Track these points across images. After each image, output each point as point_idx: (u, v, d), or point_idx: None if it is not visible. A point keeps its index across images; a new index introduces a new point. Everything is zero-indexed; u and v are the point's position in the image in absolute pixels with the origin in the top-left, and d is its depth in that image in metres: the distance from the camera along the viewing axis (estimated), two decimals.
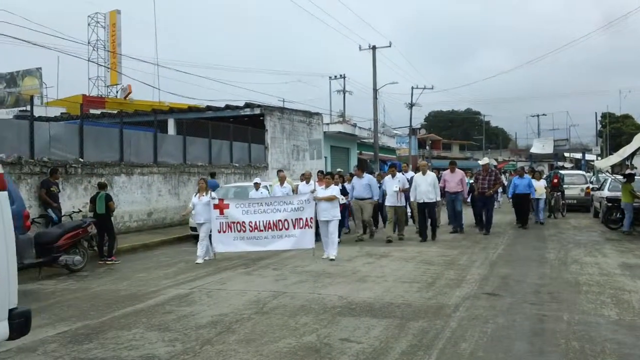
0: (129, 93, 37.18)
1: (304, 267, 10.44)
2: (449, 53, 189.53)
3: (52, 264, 10.36)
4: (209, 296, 8.17)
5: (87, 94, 36.18)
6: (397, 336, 5.99)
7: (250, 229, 11.37)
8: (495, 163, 60.61)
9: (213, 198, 11.76)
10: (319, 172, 15.04)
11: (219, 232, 11.51)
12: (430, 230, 14.10)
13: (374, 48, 35.36)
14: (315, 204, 11.48)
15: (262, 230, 11.33)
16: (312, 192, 11.69)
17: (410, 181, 14.74)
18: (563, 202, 21.25)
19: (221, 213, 11.50)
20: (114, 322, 6.88)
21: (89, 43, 37.66)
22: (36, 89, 34.69)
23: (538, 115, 71.11)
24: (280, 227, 11.33)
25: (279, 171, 15.79)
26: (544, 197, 18.79)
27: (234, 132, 22.11)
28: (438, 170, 18.41)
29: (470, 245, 12.99)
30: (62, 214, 12.75)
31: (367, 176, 14.88)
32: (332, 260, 11.00)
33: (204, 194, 11.87)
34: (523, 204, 17.24)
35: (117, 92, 38.28)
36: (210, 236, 11.67)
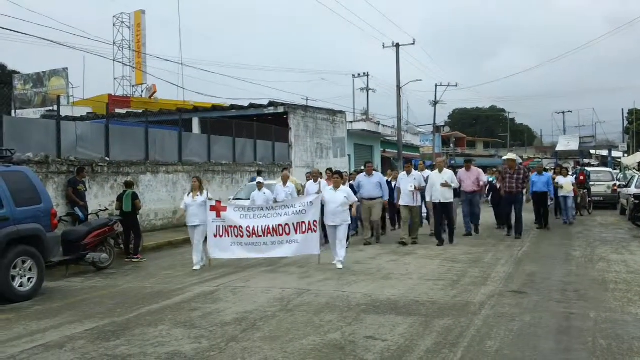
0: (154, 92, 37.56)
1: (329, 264, 10.44)
2: (473, 50, 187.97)
3: (79, 261, 10.54)
4: (233, 293, 8.22)
5: (113, 94, 36.62)
6: (422, 334, 5.96)
7: (248, 234, 10.40)
8: (520, 160, 60.00)
9: (210, 199, 10.75)
10: (327, 170, 14.41)
11: (215, 236, 10.56)
12: (448, 233, 13.10)
13: (397, 46, 35.21)
14: (323, 206, 10.60)
15: (260, 236, 10.37)
16: (318, 192, 10.91)
17: (427, 180, 13.62)
18: (589, 199, 20.96)
19: (218, 216, 10.56)
20: (140, 319, 6.97)
21: (114, 43, 38.15)
22: (63, 89, 35.22)
23: (564, 112, 70.26)
24: (281, 232, 10.34)
25: (283, 169, 15.17)
26: (572, 194, 17.45)
27: (258, 131, 22.18)
28: (454, 169, 17.52)
29: (495, 243, 12.87)
30: (89, 212, 12.93)
31: (377, 174, 13.92)
32: (339, 268, 9.98)
33: (198, 193, 10.83)
34: (540, 203, 15.95)
35: (142, 91, 38.69)
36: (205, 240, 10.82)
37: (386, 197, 13.60)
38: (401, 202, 13.18)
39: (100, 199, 14.11)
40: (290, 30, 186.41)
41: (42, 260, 8.73)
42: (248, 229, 10.41)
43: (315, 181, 12.83)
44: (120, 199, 12.46)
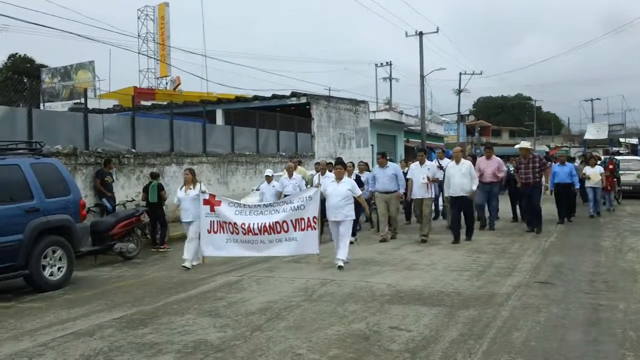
0: (178, 84, 37.83)
1: (353, 254, 10.43)
2: (498, 37, 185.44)
3: (107, 251, 10.73)
4: (258, 283, 8.29)
5: (138, 86, 36.97)
6: (447, 325, 5.95)
7: (244, 231, 9.63)
8: (547, 149, 59.15)
9: (203, 192, 10.02)
10: (327, 163, 13.42)
11: (209, 232, 9.86)
12: (465, 229, 11.99)
13: (421, 34, 34.88)
14: (324, 200, 9.73)
15: (256, 234, 9.58)
16: (318, 186, 9.81)
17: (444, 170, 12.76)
18: (619, 188, 20.59)
19: (212, 210, 9.85)
20: (167, 307, 7.06)
21: (139, 36, 38.44)
22: (89, 81, 35.68)
23: (592, 100, 68.98)
24: (279, 230, 9.55)
25: (291, 158, 14.28)
26: (600, 186, 16.33)
27: (280, 122, 22.22)
28: (474, 157, 16.35)
29: (521, 233, 12.73)
30: (116, 203, 13.12)
31: (392, 165, 12.70)
32: (340, 267, 9.18)
33: (191, 186, 10.18)
34: (563, 196, 14.83)
35: (166, 83, 38.98)
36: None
37: (402, 190, 12.50)
38: (413, 195, 12.26)
39: (127, 190, 14.29)
40: (313, 20, 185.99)
41: (72, 250, 8.91)
42: (243, 226, 9.64)
43: (323, 174, 12.02)
44: (146, 190, 12.69)
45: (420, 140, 35.52)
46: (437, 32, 35.49)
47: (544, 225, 13.74)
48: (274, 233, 9.58)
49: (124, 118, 15.82)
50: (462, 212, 11.96)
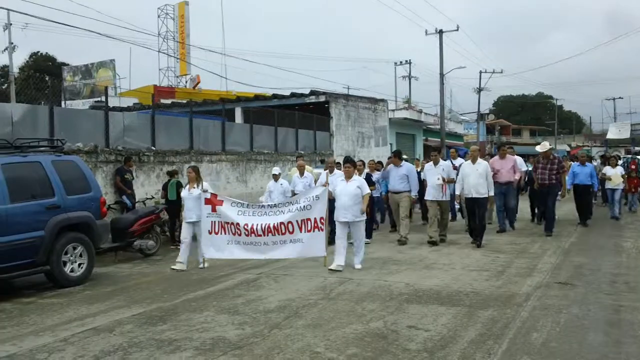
0: (198, 83, 38.02)
1: (371, 254, 10.41)
2: (519, 35, 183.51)
3: (127, 248, 10.82)
4: (276, 281, 8.30)
5: (158, 85, 37.24)
6: (465, 325, 5.91)
7: (246, 232, 9.23)
8: (568, 149, 58.53)
9: (205, 191, 9.67)
10: (336, 162, 12.62)
11: (210, 233, 9.49)
12: (476, 232, 11.22)
13: (440, 32, 34.67)
14: (333, 200, 9.36)
15: (260, 235, 9.17)
16: (325, 185, 9.44)
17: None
18: None
19: (213, 210, 9.49)
20: (185, 304, 7.11)
21: (159, 34, 38.74)
22: (110, 80, 36.03)
23: (614, 99, 68.04)
24: (284, 231, 9.14)
25: (298, 157, 13.67)
26: (621, 187, 15.75)
27: (299, 120, 22.23)
28: (493, 157, 15.53)
29: (541, 234, 12.58)
30: (136, 200, 13.23)
31: (405, 165, 12.32)
32: (357, 268, 9.06)
33: (195, 185, 9.84)
34: (583, 198, 14.35)
35: (186, 82, 39.22)
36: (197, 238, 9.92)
37: (414, 191, 12.06)
38: (427, 197, 11.77)
39: (147, 187, 14.39)
40: (332, 19, 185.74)
41: (92, 247, 9.00)
42: (246, 227, 9.23)
43: (331, 172, 11.24)
44: (165, 187, 12.80)
45: (439, 139, 35.34)
46: (457, 30, 35.30)
47: (567, 224, 13.64)
48: (279, 234, 9.16)
49: (144, 116, 15.93)
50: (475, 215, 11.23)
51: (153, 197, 13.91)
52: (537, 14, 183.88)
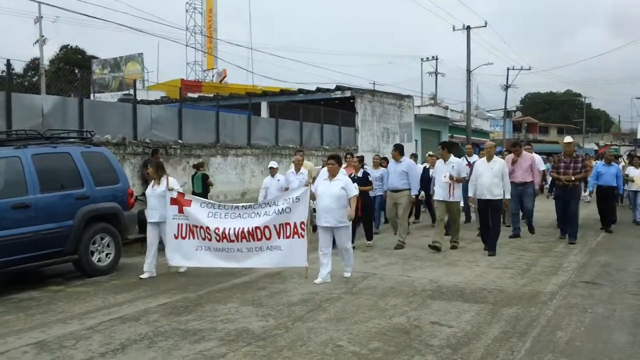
0: (224, 77, 38.24)
1: (394, 249, 10.41)
2: (548, 32, 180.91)
3: None
4: (299, 275, 8.33)
5: (185, 78, 37.55)
6: (489, 322, 5.89)
7: (217, 237, 8.14)
8: (596, 147, 57.58)
9: (170, 189, 8.49)
10: (346, 154, 11.62)
11: (176, 237, 8.39)
12: (488, 239, 10.07)
13: (468, 28, 34.35)
14: (314, 201, 8.35)
15: (232, 241, 8.09)
16: (307, 185, 8.36)
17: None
18: None
19: (180, 211, 8.39)
20: (210, 296, 7.20)
21: (187, 29, 39.03)
22: (138, 73, 36.47)
23: None
24: (260, 236, 8.04)
25: (298, 151, 12.86)
26: None
27: (324, 115, 22.26)
28: (502, 155, 14.41)
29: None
30: None
31: (405, 161, 11.20)
32: (346, 277, 8.07)
33: (159, 182, 8.69)
34: (607, 200, 13.19)
35: (212, 76, 39.48)
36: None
37: (414, 190, 10.87)
38: (436, 197, 10.64)
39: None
40: (358, 14, 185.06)
41: (119, 237, 9.15)
42: (217, 231, 8.14)
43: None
44: (192, 180, 13.01)
45: (465, 136, 35.06)
46: (485, 26, 34.91)
47: (594, 223, 13.38)
48: (254, 240, 8.07)
49: (171, 109, 16.10)
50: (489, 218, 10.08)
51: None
52: (567, 10, 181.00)
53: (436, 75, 48.52)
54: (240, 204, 8.66)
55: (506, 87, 47.58)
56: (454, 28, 35.38)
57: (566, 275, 8.14)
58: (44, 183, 8.14)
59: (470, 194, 10.38)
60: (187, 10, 39.74)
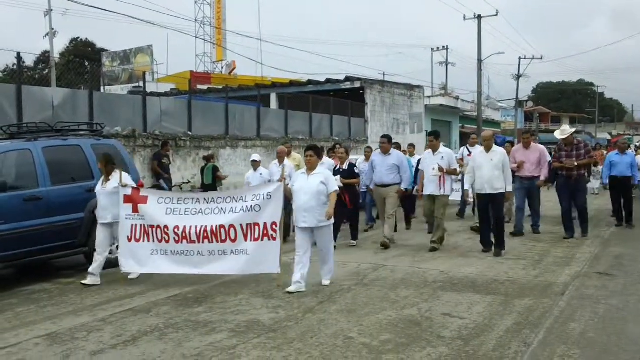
0: (234, 69, 38.24)
1: (405, 241, 10.36)
2: (560, 20, 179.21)
3: None
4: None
5: (195, 70, 37.57)
6: (501, 313, 5.84)
7: (176, 237, 7.32)
8: (609, 137, 57.06)
9: (124, 185, 7.61)
10: (335, 144, 11.08)
11: (130, 240, 7.57)
12: (494, 236, 9.16)
13: (479, 17, 34.07)
14: (288, 197, 7.41)
15: (193, 242, 7.27)
16: (281, 180, 7.42)
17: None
18: None
19: (135, 210, 7.53)
20: (221, 287, 7.19)
21: (195, 20, 39.02)
22: (148, 65, 36.55)
23: None
24: (224, 238, 7.20)
25: (284, 143, 12.14)
26: None
27: (334, 106, 22.20)
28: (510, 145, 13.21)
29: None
30: (173, 184, 13.42)
31: (395, 153, 10.16)
32: (325, 285, 7.17)
33: (110, 178, 7.72)
34: (621, 191, 12.10)
35: (222, 68, 39.48)
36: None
37: (405, 184, 10.00)
38: (425, 191, 9.67)
39: (183, 171, 14.59)
40: (368, 3, 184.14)
41: None
42: (176, 230, 7.33)
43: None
44: (202, 172, 13.02)
45: (476, 126, 34.87)
46: (496, 15, 34.63)
47: (607, 214, 13.21)
48: (217, 242, 7.24)
49: (181, 101, 16.11)
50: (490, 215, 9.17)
51: (189, 182, 14.09)
52: None
53: (447, 65, 48.31)
54: (202, 195, 7.89)
55: (518, 77, 47.24)
56: (464, 17, 35.11)
57: (579, 266, 8.06)
58: (55, 175, 8.16)
59: (466, 187, 9.83)
60: (196, 2, 39.76)
